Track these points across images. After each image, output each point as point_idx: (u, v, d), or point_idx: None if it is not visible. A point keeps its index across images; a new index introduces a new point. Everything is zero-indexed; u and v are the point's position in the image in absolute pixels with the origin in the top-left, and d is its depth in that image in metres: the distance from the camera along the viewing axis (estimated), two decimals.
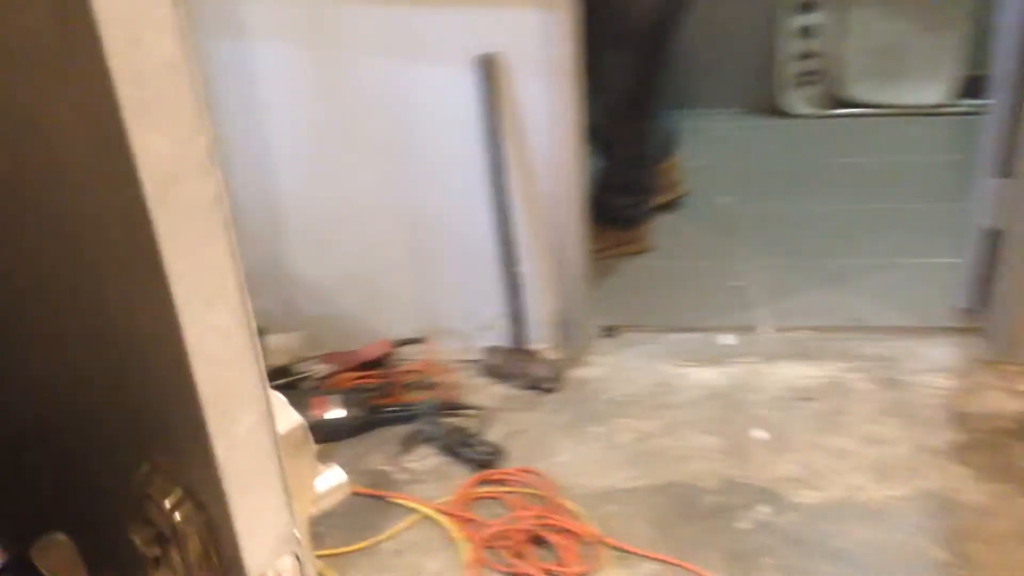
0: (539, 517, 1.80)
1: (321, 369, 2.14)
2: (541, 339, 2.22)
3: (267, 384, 0.59)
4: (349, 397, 2.05)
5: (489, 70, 1.93)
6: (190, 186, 0.52)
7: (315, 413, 2.01)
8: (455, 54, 1.95)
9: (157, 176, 0.50)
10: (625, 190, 2.63)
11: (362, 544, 1.78)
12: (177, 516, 0.57)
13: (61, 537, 0.62)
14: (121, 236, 0.54)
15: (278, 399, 0.63)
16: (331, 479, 0.73)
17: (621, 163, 2.59)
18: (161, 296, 0.51)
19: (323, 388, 2.10)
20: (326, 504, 0.72)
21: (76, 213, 0.58)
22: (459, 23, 1.92)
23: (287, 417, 0.65)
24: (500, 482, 1.91)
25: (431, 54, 1.96)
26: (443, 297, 2.22)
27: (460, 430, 2.02)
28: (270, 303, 2.21)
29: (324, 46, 1.97)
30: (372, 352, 2.17)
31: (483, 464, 1.94)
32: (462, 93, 1.98)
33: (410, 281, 2.20)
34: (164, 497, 0.58)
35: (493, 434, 2.03)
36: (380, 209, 2.12)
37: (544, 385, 2.16)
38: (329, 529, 1.82)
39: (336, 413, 2.02)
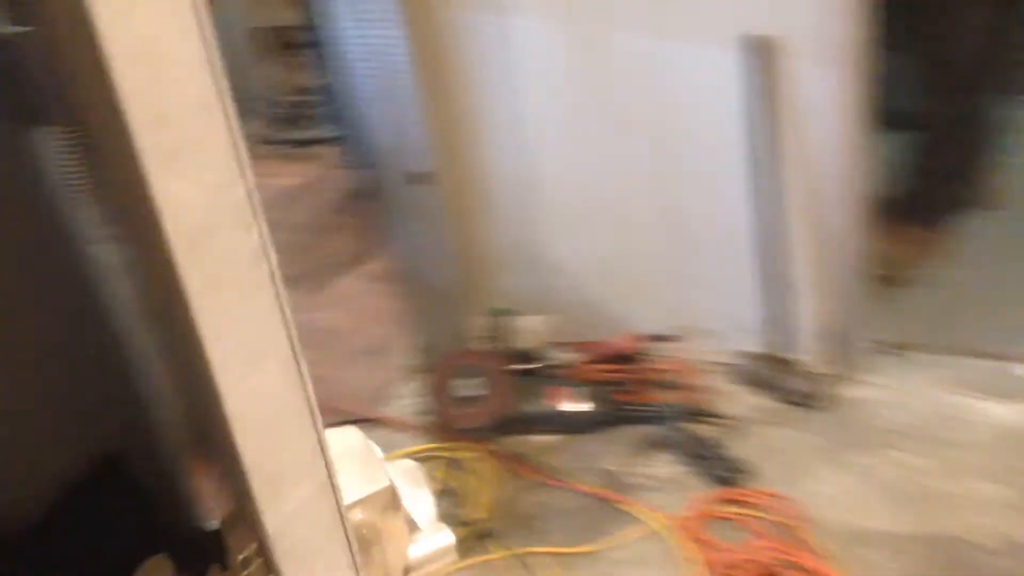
0: (780, 550, 1.62)
1: (566, 357, 2.06)
2: (807, 350, 2.01)
3: (328, 450, 0.50)
4: (590, 390, 1.97)
5: (760, 53, 1.74)
6: (226, 239, 0.44)
7: (552, 403, 1.94)
8: (725, 34, 1.77)
9: (185, 228, 0.42)
10: (934, 182, 2.31)
11: (586, 547, 1.70)
12: (246, 574, 0.51)
13: (164, 561, 0.58)
14: (157, 289, 0.47)
15: (371, 455, 0.53)
16: (434, 543, 0.63)
17: (938, 149, 2.28)
18: (197, 355, 0.44)
19: (565, 377, 2.02)
20: (425, 572, 0.63)
21: (126, 261, 0.52)
22: (731, 0, 1.75)
23: (374, 477, 0.56)
24: (741, 503, 1.75)
25: (699, 34, 1.80)
26: (700, 294, 2.06)
27: (704, 439, 1.88)
28: (523, 284, 2.17)
29: (585, 23, 1.87)
30: (620, 345, 2.07)
31: (725, 480, 1.79)
32: (731, 77, 1.80)
33: (665, 274, 2.07)
34: (240, 549, 0.51)
35: (740, 448, 1.87)
36: (637, 196, 2.00)
37: (805, 401, 1.95)
38: (555, 526, 1.75)
39: (574, 405, 1.94)
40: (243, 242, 0.45)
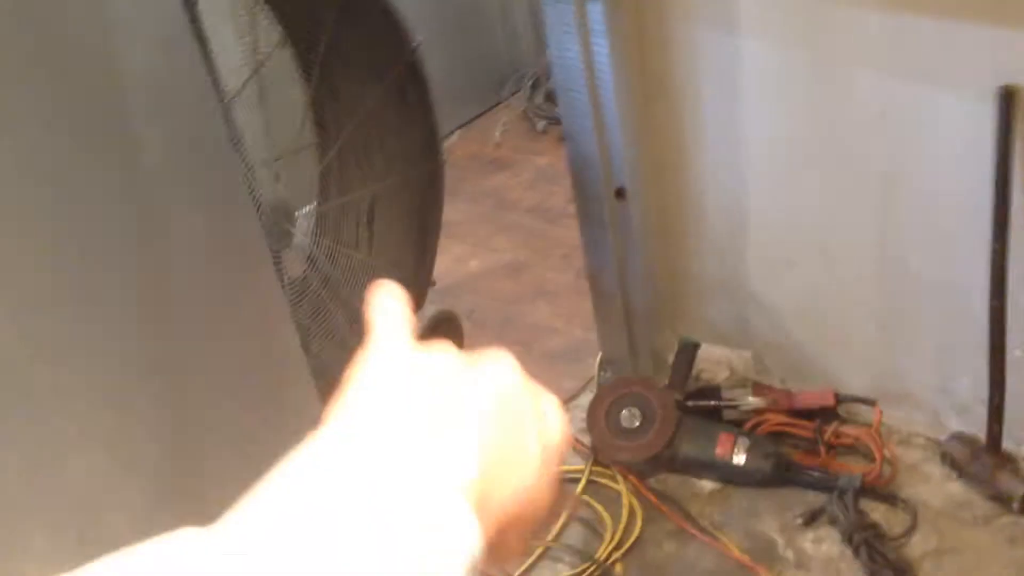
0: None
1: (750, 401, 1.93)
2: None
3: None
4: (763, 444, 1.83)
5: (1006, 104, 1.49)
6: None
7: (721, 452, 1.83)
8: (977, 81, 1.53)
9: None
10: None
11: None
12: None
13: None
14: None
15: None
16: None
17: None
18: None
19: (742, 424, 1.90)
20: None
21: None
22: (987, 44, 1.50)
23: None
24: None
25: (949, 79, 1.57)
26: (912, 358, 1.84)
27: (876, 525, 1.69)
28: (718, 316, 2.05)
29: (819, 52, 1.69)
30: (811, 400, 1.90)
31: None
32: (979, 129, 1.56)
33: (875, 329, 1.86)
34: None
35: (916, 544, 1.67)
36: (855, 242, 1.81)
37: (1013, 503, 1.70)
38: None
39: (742, 458, 1.82)
40: None
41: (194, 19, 1.74)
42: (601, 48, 1.80)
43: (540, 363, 2.29)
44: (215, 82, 1.80)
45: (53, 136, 0.74)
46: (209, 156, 0.97)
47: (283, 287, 1.93)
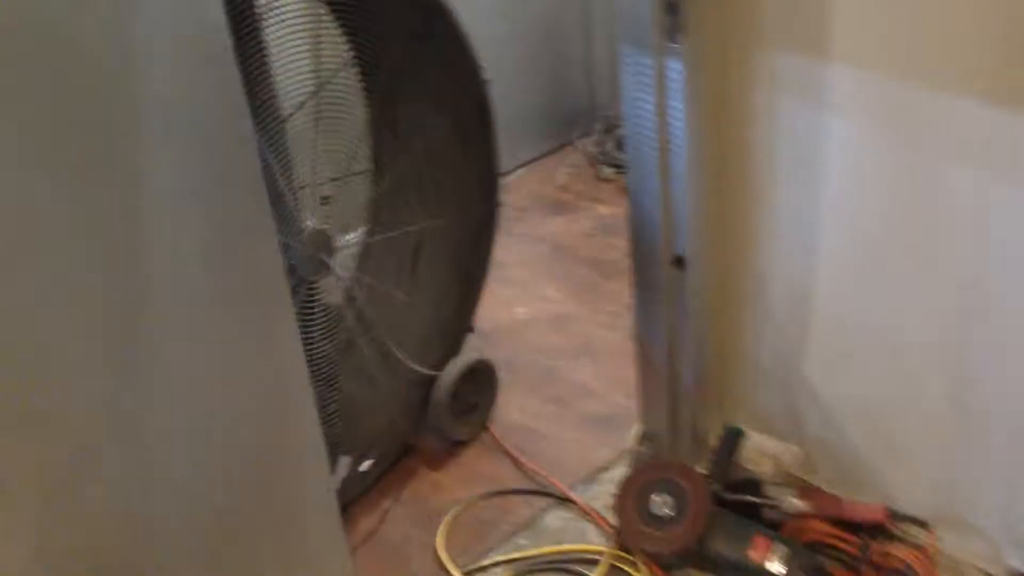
0: None
1: (792, 503, 1.79)
2: None
3: None
4: (802, 554, 1.69)
5: None
6: None
7: (755, 555, 1.69)
8: None
9: None
10: None
11: None
12: None
13: None
14: None
15: None
16: None
17: None
18: None
19: (781, 527, 1.76)
20: None
21: None
22: None
23: None
24: None
25: None
26: (975, 482, 1.69)
27: None
28: (772, 403, 1.92)
29: (911, 139, 1.56)
30: (860, 512, 1.75)
31: None
32: None
33: (937, 445, 1.71)
34: None
35: None
36: (921, 344, 1.67)
37: None
38: None
39: (776, 566, 1.67)
40: None
41: (258, 38, 1.68)
42: (677, 108, 1.70)
43: (575, 426, 2.17)
44: (272, 101, 1.73)
45: (58, 155, 0.64)
46: (234, 185, 0.87)
47: (317, 315, 1.84)
